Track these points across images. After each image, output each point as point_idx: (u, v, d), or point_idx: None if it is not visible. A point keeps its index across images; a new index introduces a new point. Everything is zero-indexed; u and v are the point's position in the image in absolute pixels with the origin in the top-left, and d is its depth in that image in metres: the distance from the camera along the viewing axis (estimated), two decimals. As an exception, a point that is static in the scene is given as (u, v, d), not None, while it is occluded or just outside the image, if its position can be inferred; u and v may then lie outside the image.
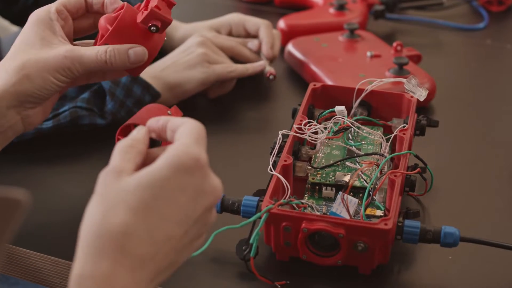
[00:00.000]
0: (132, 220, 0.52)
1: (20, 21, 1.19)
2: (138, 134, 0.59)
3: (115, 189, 0.54)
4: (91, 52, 0.74)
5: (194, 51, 0.98)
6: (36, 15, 0.75)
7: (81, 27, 0.79)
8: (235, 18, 1.08)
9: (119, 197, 0.53)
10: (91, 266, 0.51)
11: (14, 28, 1.32)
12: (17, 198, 0.42)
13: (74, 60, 0.73)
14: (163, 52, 1.10)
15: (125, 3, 0.76)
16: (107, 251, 0.52)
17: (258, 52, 1.05)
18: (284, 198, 0.71)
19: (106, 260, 0.51)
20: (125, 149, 0.57)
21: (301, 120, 0.80)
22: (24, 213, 0.46)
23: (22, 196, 0.42)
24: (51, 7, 0.76)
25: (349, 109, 0.83)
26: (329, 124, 0.80)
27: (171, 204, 0.54)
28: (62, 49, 0.73)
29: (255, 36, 1.06)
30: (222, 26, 1.07)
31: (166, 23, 0.75)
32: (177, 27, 1.10)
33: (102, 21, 0.76)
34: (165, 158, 0.54)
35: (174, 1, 0.75)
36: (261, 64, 1.01)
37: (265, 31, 1.05)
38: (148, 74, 0.94)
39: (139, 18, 0.74)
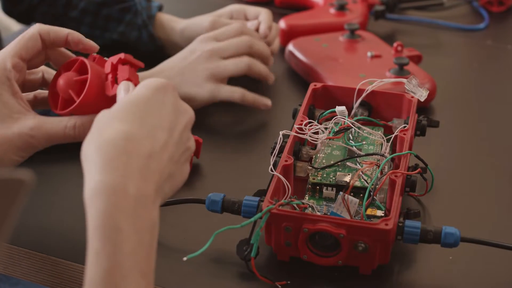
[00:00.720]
0: (128, 127, 0.58)
1: (25, 20, 1.20)
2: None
3: (105, 114, 0.60)
4: (58, 127, 0.70)
5: (201, 68, 0.96)
6: None
7: (33, 64, 0.74)
8: (236, 6, 1.10)
9: (111, 116, 0.59)
10: (101, 175, 0.55)
11: (16, 27, 1.33)
12: (20, 178, 0.43)
13: (40, 138, 0.70)
14: (162, 47, 1.10)
15: (82, 58, 0.73)
16: (113, 156, 0.56)
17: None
18: (285, 198, 0.71)
19: (114, 164, 0.55)
20: None
21: (301, 120, 0.80)
22: (27, 193, 0.48)
23: (25, 176, 0.43)
24: (6, 62, 0.70)
25: (349, 109, 0.83)
26: (330, 124, 0.80)
27: (157, 114, 0.60)
28: (26, 125, 0.69)
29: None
30: (223, 15, 1.08)
31: None
32: (177, 21, 1.10)
33: (62, 83, 0.71)
34: (142, 84, 0.62)
35: (141, 63, 0.73)
36: (265, 104, 0.99)
37: (265, 16, 1.07)
38: None
39: (110, 90, 0.70)
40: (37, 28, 0.72)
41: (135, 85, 0.69)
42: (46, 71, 0.76)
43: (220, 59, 0.97)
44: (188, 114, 0.64)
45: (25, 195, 0.46)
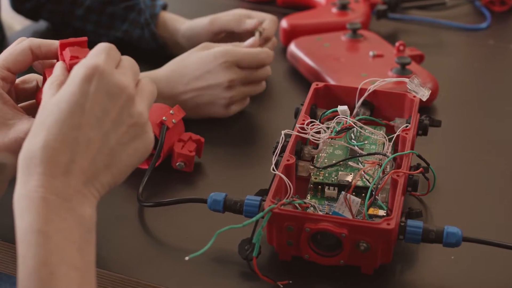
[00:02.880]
0: (49, 136, 0.59)
1: (33, 17, 1.22)
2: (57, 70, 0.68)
3: (37, 119, 0.62)
4: None
5: (220, 92, 0.94)
6: None
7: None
8: (241, 11, 1.08)
9: (36, 121, 0.61)
10: (23, 185, 0.59)
11: (18, 26, 1.34)
12: (1, 162, 0.45)
13: None
14: (165, 45, 1.10)
15: (45, 69, 0.72)
16: (32, 167, 0.59)
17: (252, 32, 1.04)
18: (287, 198, 0.71)
19: (34, 175, 0.58)
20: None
21: (303, 120, 0.80)
22: (10, 176, 0.51)
23: (6, 159, 0.45)
24: None
25: (351, 108, 0.83)
26: (332, 123, 0.80)
27: (78, 112, 0.61)
28: (21, 129, 0.69)
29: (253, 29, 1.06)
30: (226, 15, 1.08)
31: None
32: (180, 21, 1.10)
33: (39, 97, 0.72)
34: (69, 78, 0.62)
35: (85, 38, 0.72)
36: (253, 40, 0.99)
37: (270, 23, 1.06)
38: (165, 94, 0.93)
39: None
40: (28, 42, 0.72)
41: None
42: (39, 80, 0.76)
43: (240, 86, 0.96)
44: (123, 94, 0.63)
45: (6, 178, 0.49)
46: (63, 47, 0.71)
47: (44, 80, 0.73)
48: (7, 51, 0.72)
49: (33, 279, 0.55)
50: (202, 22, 1.06)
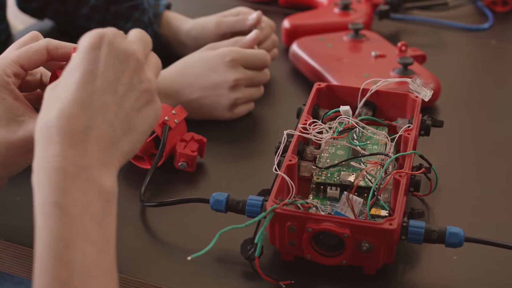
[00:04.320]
0: (64, 105, 0.58)
1: (39, 16, 1.23)
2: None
3: (48, 91, 0.61)
4: None
5: (225, 93, 0.94)
6: None
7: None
8: (244, 9, 1.09)
9: (51, 94, 0.60)
10: (41, 157, 0.57)
11: (20, 26, 1.34)
12: None
13: None
14: (168, 45, 1.10)
15: (56, 70, 0.73)
16: (49, 137, 0.57)
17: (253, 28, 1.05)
18: (289, 198, 0.71)
19: (51, 145, 0.57)
20: None
21: (306, 120, 0.80)
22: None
23: None
24: (7, 68, 0.70)
25: (354, 109, 0.83)
26: (334, 124, 0.80)
27: (91, 78, 0.60)
28: (31, 127, 0.68)
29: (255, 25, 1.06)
30: (228, 15, 1.08)
31: None
32: (184, 20, 1.10)
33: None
34: (78, 48, 0.62)
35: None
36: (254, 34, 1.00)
37: (265, 27, 1.06)
38: (169, 94, 0.93)
39: None
40: (45, 42, 0.72)
41: None
42: (44, 74, 0.76)
43: (244, 88, 0.96)
44: (132, 58, 0.63)
45: None
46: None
47: (53, 78, 0.74)
48: (23, 48, 0.72)
49: (48, 252, 0.54)
50: (207, 26, 1.06)
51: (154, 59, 0.68)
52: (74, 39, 1.10)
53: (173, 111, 0.86)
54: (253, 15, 1.06)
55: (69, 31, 1.20)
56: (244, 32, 1.05)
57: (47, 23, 1.25)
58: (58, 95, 0.60)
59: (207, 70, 0.94)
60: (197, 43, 1.05)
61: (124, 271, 0.72)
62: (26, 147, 0.68)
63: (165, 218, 0.79)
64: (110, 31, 0.62)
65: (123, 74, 0.62)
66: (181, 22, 1.10)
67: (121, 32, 0.64)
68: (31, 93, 0.75)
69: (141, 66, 0.63)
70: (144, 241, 0.77)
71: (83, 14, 1.15)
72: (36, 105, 0.73)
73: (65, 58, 0.73)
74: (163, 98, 0.92)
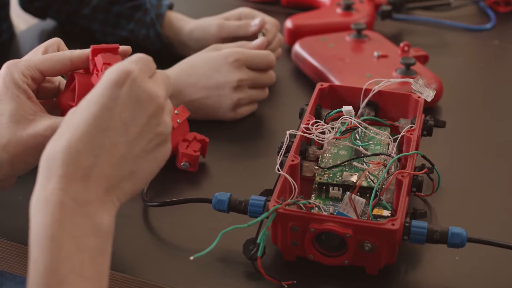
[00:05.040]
0: (74, 136, 0.58)
1: (41, 15, 1.24)
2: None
3: (66, 119, 0.61)
4: None
5: (228, 93, 0.94)
6: (11, 78, 0.70)
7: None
8: (246, 10, 1.09)
9: (64, 124, 0.60)
10: (42, 187, 0.57)
11: (23, 26, 1.34)
12: None
13: None
14: (170, 45, 1.11)
15: (74, 72, 0.73)
16: (53, 169, 0.57)
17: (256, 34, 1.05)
18: (291, 198, 0.71)
19: (53, 177, 0.57)
20: None
21: (308, 120, 0.80)
22: (3, 174, 0.49)
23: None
24: (27, 71, 0.71)
25: (356, 109, 0.83)
26: (337, 124, 0.80)
27: (106, 116, 0.59)
28: (40, 126, 0.69)
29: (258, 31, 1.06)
30: (231, 18, 1.08)
31: None
32: (186, 21, 1.10)
33: (63, 100, 0.73)
34: (101, 80, 0.61)
35: (117, 45, 0.72)
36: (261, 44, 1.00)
37: (271, 28, 1.06)
38: (172, 94, 0.93)
39: (96, 80, 0.71)
40: (69, 54, 0.72)
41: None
42: (62, 82, 0.76)
43: (247, 88, 0.96)
44: (154, 101, 0.62)
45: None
46: (95, 52, 0.71)
47: (69, 83, 0.74)
48: (46, 55, 0.72)
49: (42, 284, 0.55)
50: (209, 29, 1.06)
51: (170, 103, 0.67)
52: (77, 39, 1.10)
53: (176, 111, 0.86)
54: (255, 21, 1.05)
55: (71, 31, 1.20)
56: (247, 38, 1.05)
57: (49, 23, 1.25)
58: (72, 124, 0.59)
59: (210, 71, 0.94)
60: (199, 44, 1.05)
61: (126, 270, 0.72)
62: (34, 145, 0.68)
63: (167, 218, 0.79)
64: (137, 69, 0.61)
65: (139, 115, 0.61)
66: (184, 22, 1.10)
67: (148, 69, 0.63)
68: (46, 101, 0.75)
69: (160, 110, 0.63)
70: (146, 241, 0.77)
71: (85, 14, 1.16)
72: (51, 113, 0.73)
73: (83, 64, 0.73)
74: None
